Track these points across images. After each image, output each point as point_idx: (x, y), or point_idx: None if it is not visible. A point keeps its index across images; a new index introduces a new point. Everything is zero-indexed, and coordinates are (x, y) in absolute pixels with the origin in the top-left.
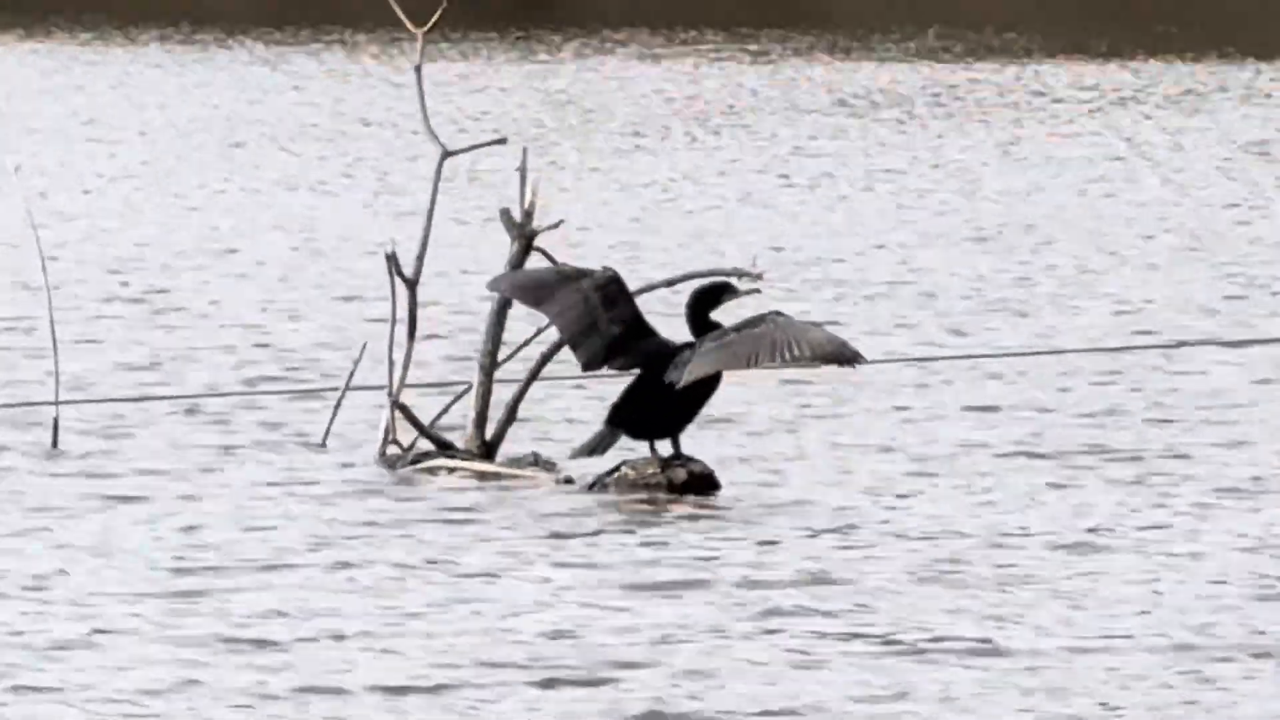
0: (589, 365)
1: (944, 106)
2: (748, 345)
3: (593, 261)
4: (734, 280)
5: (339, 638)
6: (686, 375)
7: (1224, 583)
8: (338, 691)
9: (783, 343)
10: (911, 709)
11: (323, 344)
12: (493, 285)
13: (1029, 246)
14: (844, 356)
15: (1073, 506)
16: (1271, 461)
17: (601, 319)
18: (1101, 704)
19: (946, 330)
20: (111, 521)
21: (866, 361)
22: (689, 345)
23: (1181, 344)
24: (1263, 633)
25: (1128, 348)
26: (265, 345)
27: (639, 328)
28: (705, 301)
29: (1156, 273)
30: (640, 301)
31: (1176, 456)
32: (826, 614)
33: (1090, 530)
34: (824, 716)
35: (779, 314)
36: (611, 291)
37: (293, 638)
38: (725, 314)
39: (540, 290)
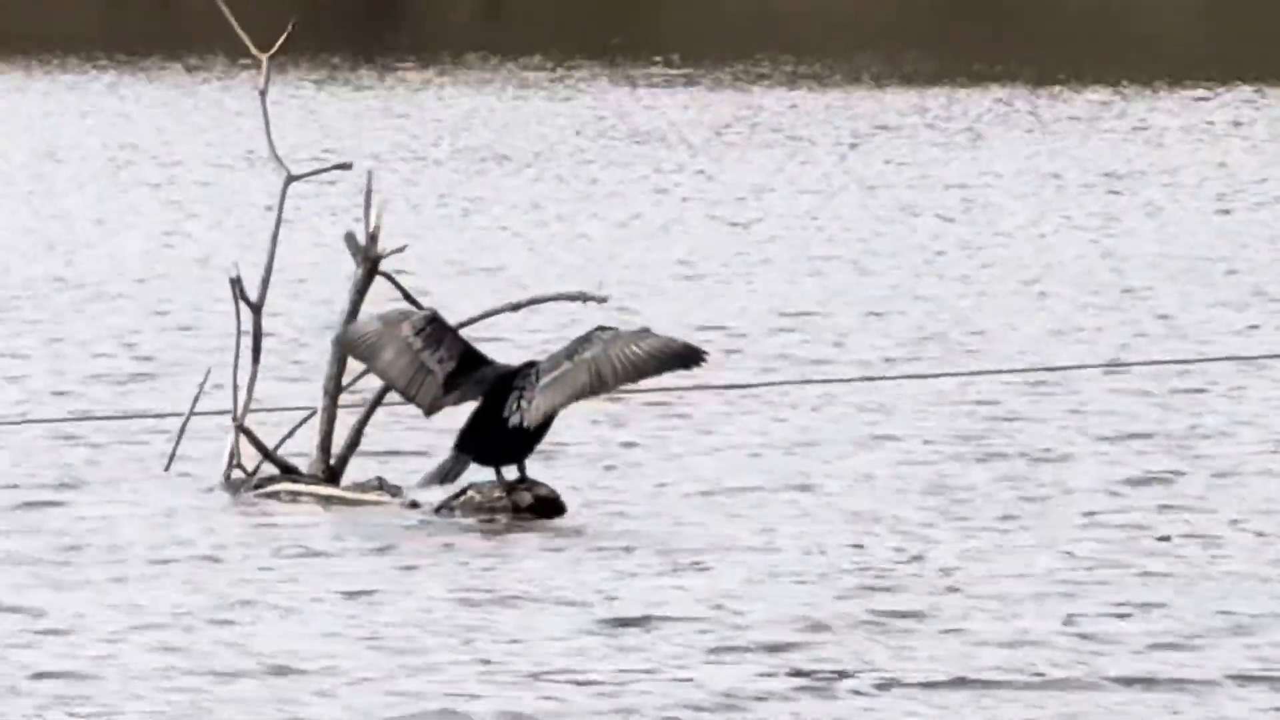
0: (431, 409)
1: (777, 133)
2: (585, 373)
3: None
4: (580, 303)
5: (183, 669)
6: (532, 413)
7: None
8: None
9: (622, 361)
10: None
11: (167, 368)
12: (334, 340)
13: (862, 274)
14: (687, 358)
15: (913, 536)
16: (1145, 494)
17: (430, 360)
18: None
19: (791, 358)
20: None
21: (708, 358)
22: (528, 366)
23: (1051, 369)
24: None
25: (965, 373)
26: (108, 369)
27: (471, 359)
28: None
29: (984, 300)
30: (485, 325)
31: (1041, 485)
32: (674, 639)
33: (928, 560)
34: None
35: (604, 328)
36: (432, 331)
37: (139, 668)
38: (556, 325)
39: (365, 345)
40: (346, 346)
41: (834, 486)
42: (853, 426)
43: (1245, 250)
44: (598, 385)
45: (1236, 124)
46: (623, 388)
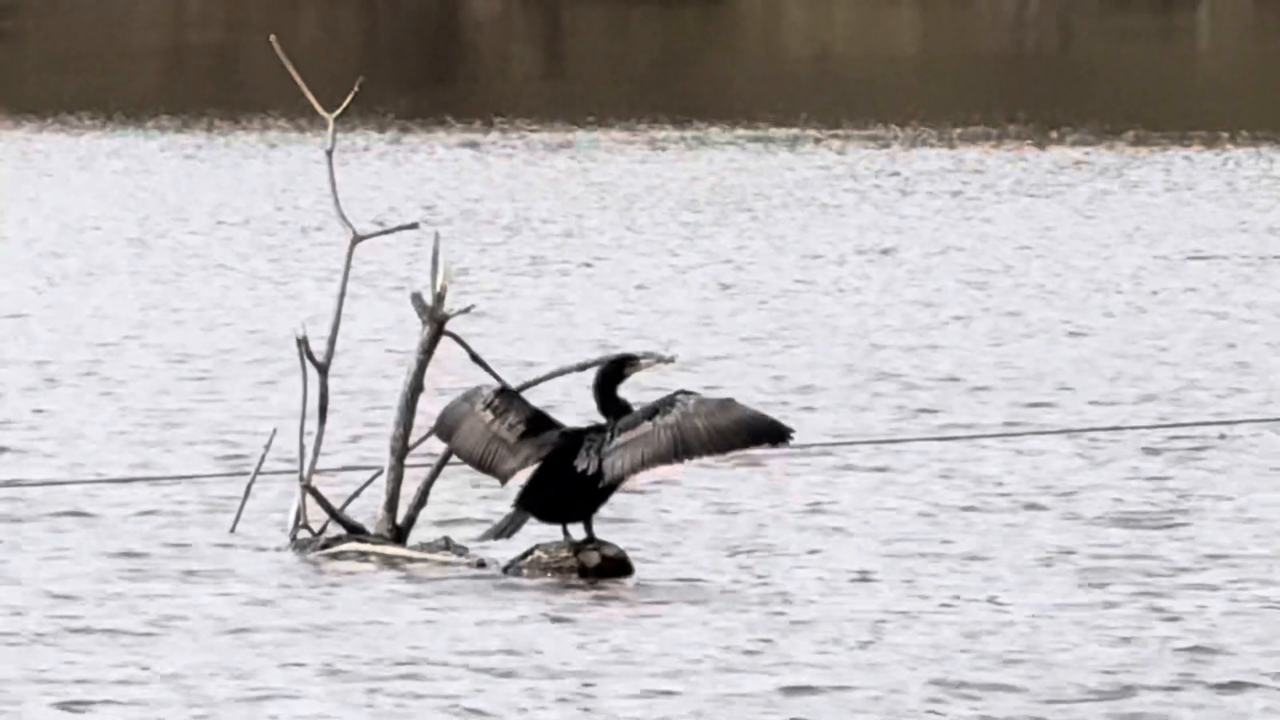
0: (505, 478)
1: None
2: (669, 438)
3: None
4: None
5: (250, 716)
6: (613, 467)
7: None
8: None
9: (709, 432)
10: None
11: (233, 428)
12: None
13: (942, 334)
14: (773, 436)
15: (989, 590)
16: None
17: (501, 429)
18: None
19: (849, 416)
20: (11, 602)
21: (794, 437)
22: (597, 429)
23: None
24: None
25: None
26: (171, 430)
27: (538, 422)
28: (611, 377)
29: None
30: (553, 386)
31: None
32: (746, 698)
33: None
34: None
35: (687, 393)
36: (501, 403)
37: None
38: (630, 389)
39: (445, 427)
40: (437, 428)
41: (911, 550)
42: (936, 489)
43: None
44: (681, 452)
45: None
46: (704, 459)
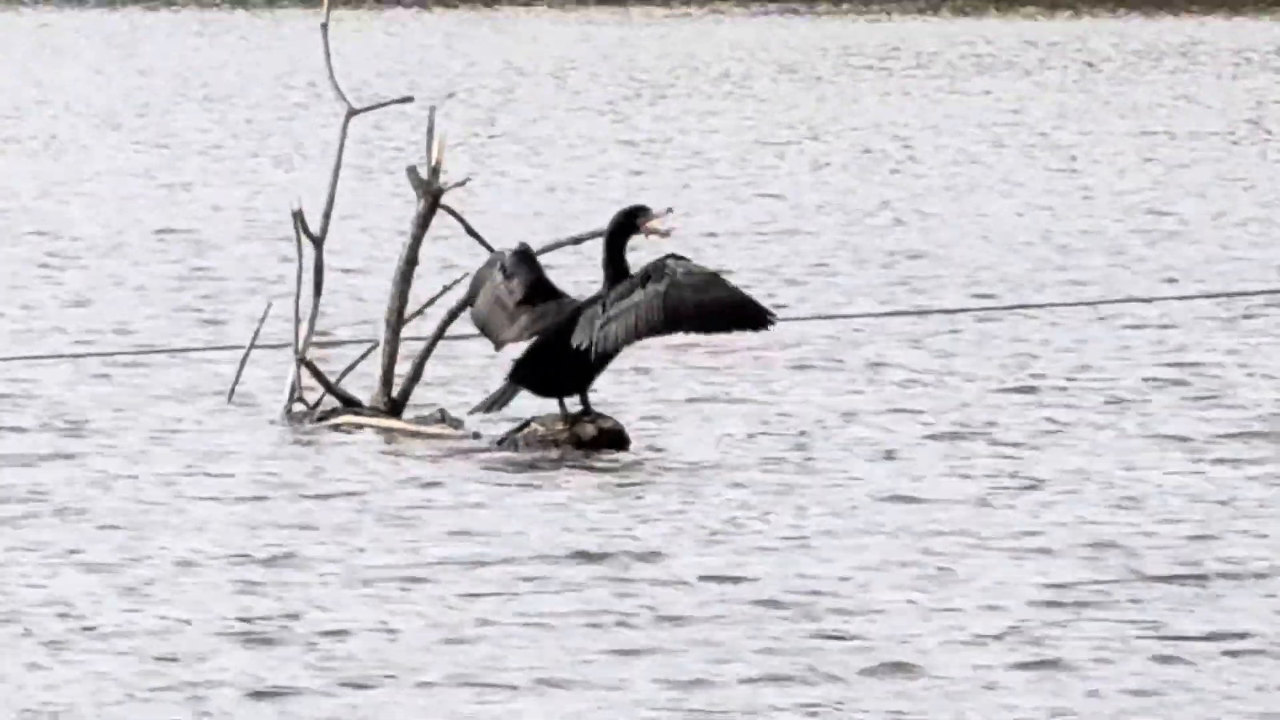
0: (500, 345)
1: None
2: (660, 308)
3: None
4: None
5: (246, 588)
6: (604, 342)
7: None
8: (249, 641)
9: (697, 307)
10: (805, 692)
11: (228, 301)
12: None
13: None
14: (757, 320)
15: (972, 470)
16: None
17: (503, 293)
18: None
19: (859, 292)
20: (15, 478)
21: (776, 322)
22: (591, 300)
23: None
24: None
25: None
26: (170, 302)
27: (537, 290)
28: (623, 228)
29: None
30: (550, 258)
31: (1044, 432)
32: (738, 579)
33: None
34: (724, 694)
35: (678, 258)
36: (513, 263)
37: (199, 595)
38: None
39: (473, 289)
40: (470, 292)
41: (910, 429)
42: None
43: None
44: (670, 324)
45: None
46: (689, 334)
